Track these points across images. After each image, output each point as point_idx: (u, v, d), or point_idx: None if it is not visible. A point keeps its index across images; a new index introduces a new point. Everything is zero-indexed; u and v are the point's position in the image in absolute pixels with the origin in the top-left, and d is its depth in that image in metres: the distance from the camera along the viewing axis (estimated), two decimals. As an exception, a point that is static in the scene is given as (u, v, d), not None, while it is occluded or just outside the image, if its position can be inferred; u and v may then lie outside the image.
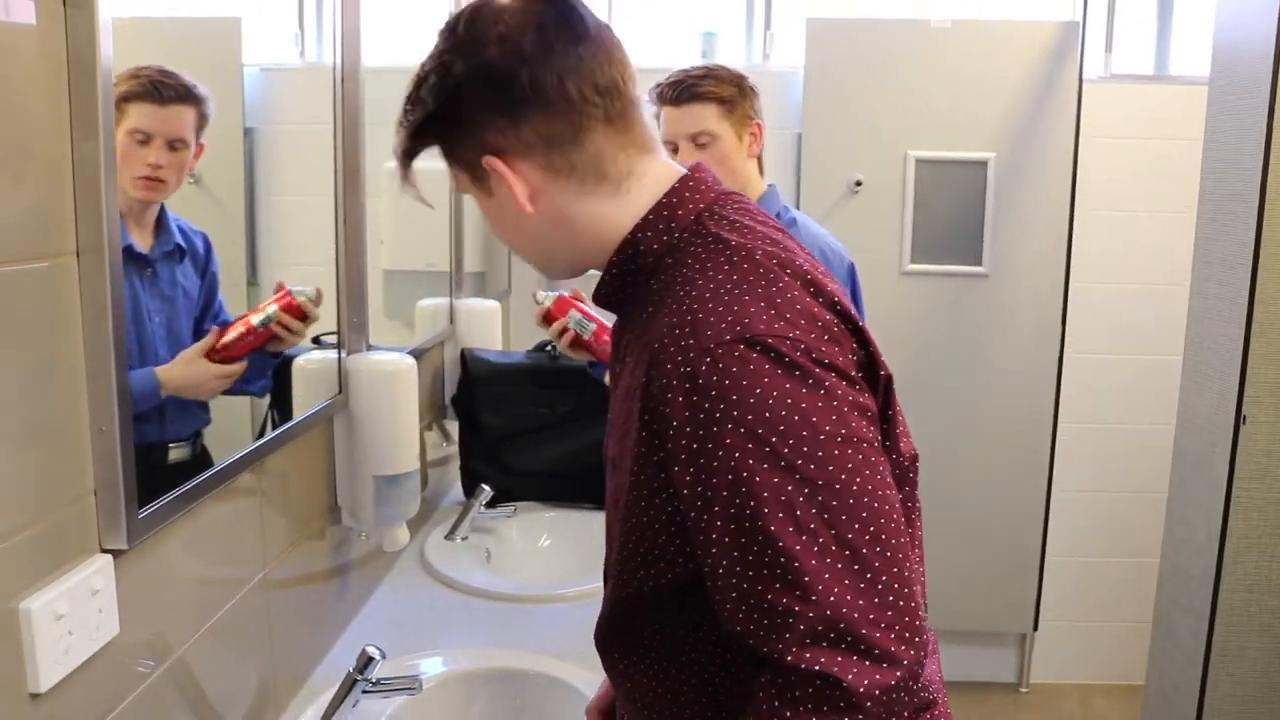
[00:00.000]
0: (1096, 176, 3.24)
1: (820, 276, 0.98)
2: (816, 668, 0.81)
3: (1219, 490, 2.23)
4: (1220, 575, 2.25)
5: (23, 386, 0.88)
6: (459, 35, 1.00)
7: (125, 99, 1.17)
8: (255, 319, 1.41)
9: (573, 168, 1.00)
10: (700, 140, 2.07)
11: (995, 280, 3.22)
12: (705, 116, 2.06)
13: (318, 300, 1.49)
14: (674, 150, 2.10)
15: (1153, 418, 3.33)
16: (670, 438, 0.89)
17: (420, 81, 1.03)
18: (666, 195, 1.01)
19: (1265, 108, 2.10)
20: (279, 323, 1.43)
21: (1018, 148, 3.17)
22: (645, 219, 1.00)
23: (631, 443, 0.95)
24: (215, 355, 1.33)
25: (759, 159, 2.15)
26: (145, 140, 1.21)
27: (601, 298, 1.06)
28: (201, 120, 1.32)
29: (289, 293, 1.45)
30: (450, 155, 1.05)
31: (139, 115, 1.20)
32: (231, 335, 1.36)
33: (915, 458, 1.09)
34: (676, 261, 0.98)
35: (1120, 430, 3.42)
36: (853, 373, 0.92)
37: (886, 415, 1.02)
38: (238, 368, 1.35)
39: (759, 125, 2.11)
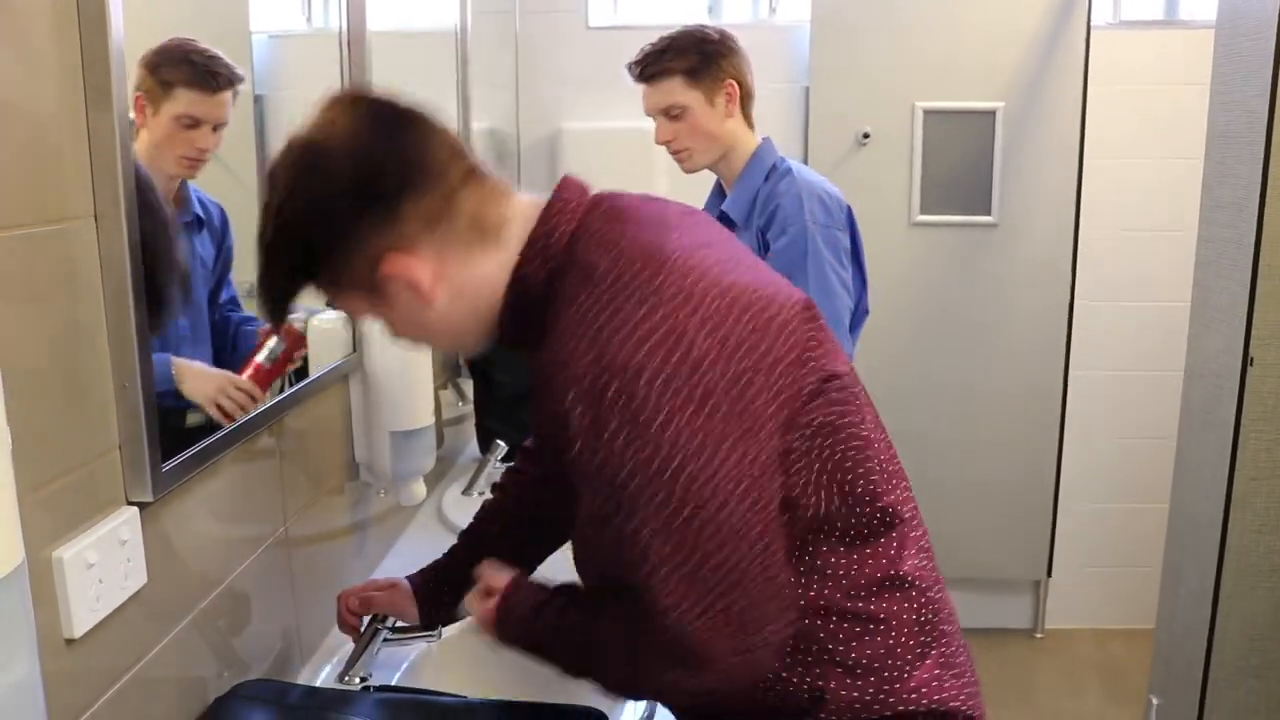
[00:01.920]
0: (1105, 124, 3.23)
1: (704, 254, 1.01)
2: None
3: (1227, 433, 2.25)
4: (1228, 517, 2.27)
5: (48, 345, 0.92)
6: (302, 167, 1.01)
7: (174, 83, 1.21)
8: (263, 357, 1.40)
9: (456, 236, 1.02)
10: (672, 113, 2.10)
11: (1005, 230, 3.22)
12: (671, 89, 2.09)
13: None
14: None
15: (1163, 363, 3.34)
16: (573, 448, 0.95)
17: (279, 233, 1.02)
18: (538, 224, 1.03)
19: (1271, 49, 2.09)
20: (290, 354, 1.44)
21: (1026, 97, 3.16)
22: (524, 254, 1.03)
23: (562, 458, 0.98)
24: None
25: (747, 114, 2.16)
26: (193, 125, 1.24)
27: (505, 336, 1.08)
28: (235, 96, 1.35)
29: (287, 327, 1.43)
30: (337, 284, 1.05)
31: (189, 102, 1.23)
32: (262, 360, 1.39)
33: (849, 372, 1.10)
34: (557, 291, 1.01)
35: (1131, 376, 3.43)
36: (723, 395, 0.94)
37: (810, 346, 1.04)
38: (255, 390, 1.35)
39: (732, 84, 2.10)
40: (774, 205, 2.06)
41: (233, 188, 1.43)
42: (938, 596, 1.10)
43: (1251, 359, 2.18)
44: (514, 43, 3.19)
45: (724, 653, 0.96)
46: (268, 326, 1.39)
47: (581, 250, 1.01)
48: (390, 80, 1.86)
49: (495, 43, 3.04)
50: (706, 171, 2.20)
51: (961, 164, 3.21)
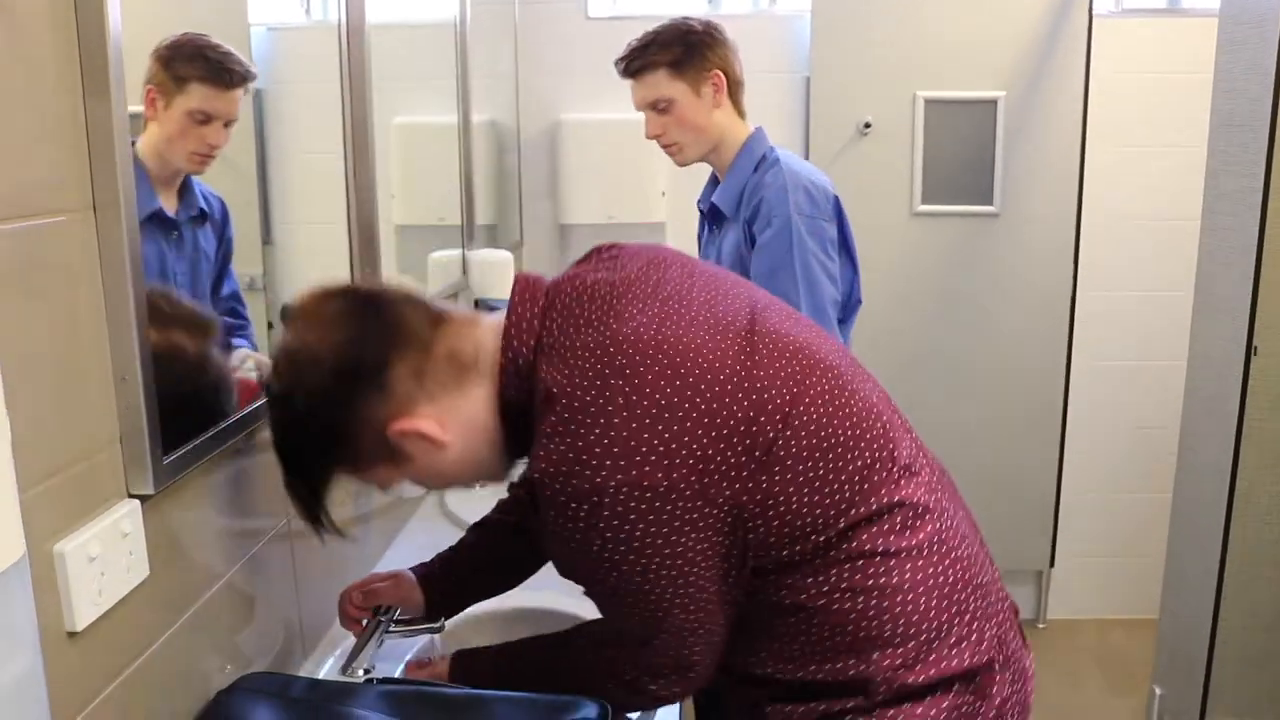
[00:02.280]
0: (1107, 113, 3.22)
1: (653, 326, 1.09)
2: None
3: (1230, 423, 2.24)
4: (1232, 507, 2.26)
5: (48, 338, 0.91)
6: (291, 373, 1.12)
7: (188, 78, 1.20)
8: None
9: (442, 380, 1.13)
10: (660, 106, 2.10)
11: (1007, 219, 3.21)
12: (657, 83, 2.08)
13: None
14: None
15: (1166, 353, 3.33)
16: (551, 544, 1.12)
17: (292, 441, 1.14)
18: (501, 350, 1.13)
19: (1275, 38, 2.08)
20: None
21: (1028, 86, 3.15)
22: (500, 383, 1.13)
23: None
24: None
25: (737, 103, 2.14)
26: (205, 120, 1.24)
27: (517, 457, 1.20)
28: (246, 94, 1.35)
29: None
30: (358, 463, 1.16)
31: (203, 97, 1.23)
32: None
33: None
34: (536, 407, 1.10)
35: (1133, 366, 3.42)
36: (680, 486, 1.04)
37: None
38: None
39: (718, 74, 2.09)
40: (759, 197, 2.05)
41: (232, 179, 1.43)
42: (965, 553, 1.18)
43: (1255, 348, 2.18)
44: (513, 34, 3.18)
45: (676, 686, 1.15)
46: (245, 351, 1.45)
47: (543, 371, 1.10)
48: (389, 73, 1.86)
49: (495, 34, 3.02)
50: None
51: (963, 154, 3.20)
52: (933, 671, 1.11)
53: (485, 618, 1.61)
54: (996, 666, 1.15)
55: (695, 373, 1.06)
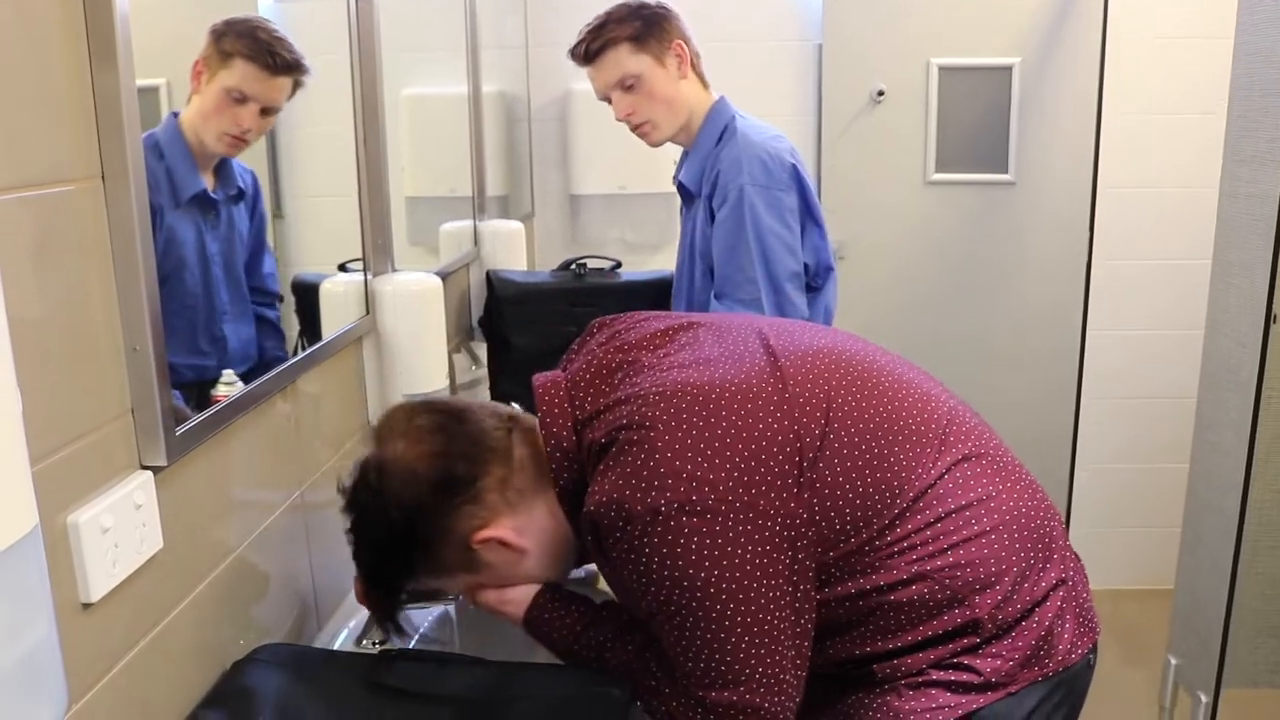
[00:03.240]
0: (1124, 78, 3.18)
1: (672, 372, 1.16)
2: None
3: (1248, 392, 2.22)
4: (1249, 476, 2.25)
5: (59, 308, 0.90)
6: (380, 489, 1.16)
7: (233, 54, 1.19)
8: None
9: (523, 492, 1.20)
10: (627, 84, 2.05)
11: (1022, 188, 3.18)
12: (620, 60, 2.04)
13: None
14: (609, 103, 2.09)
15: (1181, 321, 3.31)
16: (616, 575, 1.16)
17: (377, 546, 1.19)
18: (544, 440, 1.19)
19: (1297, -2, 2.05)
20: None
21: (1043, 52, 3.11)
22: (554, 472, 1.19)
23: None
24: None
25: (699, 74, 2.10)
26: (241, 100, 1.22)
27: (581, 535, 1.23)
28: (296, 88, 1.32)
29: None
30: (438, 573, 1.23)
31: (243, 76, 1.21)
32: None
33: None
34: (588, 479, 1.16)
35: (1149, 336, 3.40)
36: (728, 500, 1.08)
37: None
38: None
39: (680, 44, 2.05)
40: (716, 172, 2.01)
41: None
42: (1027, 481, 1.24)
43: (1276, 315, 2.15)
44: (523, 3, 3.15)
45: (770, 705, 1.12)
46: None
47: (587, 438, 1.16)
48: (399, 44, 1.85)
49: (504, 4, 3.00)
50: None
51: (978, 121, 3.17)
52: (1028, 599, 1.17)
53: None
54: (1070, 577, 1.23)
55: (725, 397, 1.12)
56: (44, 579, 0.73)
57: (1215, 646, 2.30)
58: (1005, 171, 3.18)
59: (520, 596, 1.27)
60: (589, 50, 2.05)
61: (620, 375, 1.20)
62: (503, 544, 1.19)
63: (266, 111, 1.27)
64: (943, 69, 3.12)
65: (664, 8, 2.07)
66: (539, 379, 1.25)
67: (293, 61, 1.28)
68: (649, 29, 2.03)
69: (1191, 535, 2.53)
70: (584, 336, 1.35)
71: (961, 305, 3.25)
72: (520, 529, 1.20)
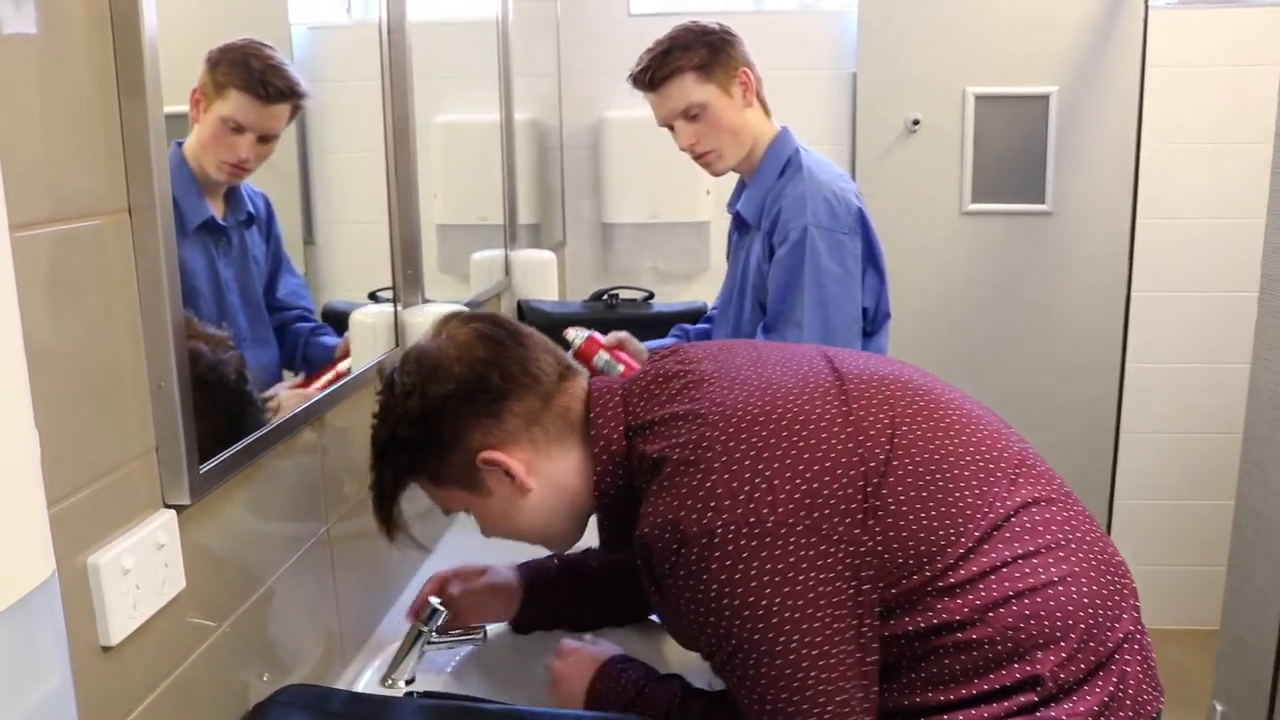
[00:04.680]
0: (1164, 108, 3.13)
1: (732, 392, 1.13)
2: None
3: (1297, 428, 2.16)
4: (1298, 515, 2.18)
5: (83, 345, 0.89)
6: (416, 370, 1.16)
7: (227, 85, 1.17)
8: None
9: (549, 434, 1.17)
10: (691, 113, 1.98)
11: (1059, 218, 3.14)
12: (686, 89, 1.97)
13: None
14: (671, 130, 2.04)
15: (1225, 356, 3.24)
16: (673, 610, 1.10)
17: (393, 427, 1.17)
18: (592, 441, 1.17)
19: (1346, 28, 2.00)
20: None
21: (1081, 80, 3.07)
22: (597, 473, 1.17)
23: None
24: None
25: (762, 102, 2.05)
26: (238, 130, 1.20)
27: (608, 544, 1.23)
28: (295, 112, 1.31)
29: None
30: (439, 479, 1.20)
31: (238, 106, 1.20)
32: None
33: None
34: (637, 488, 1.14)
35: (1190, 370, 3.33)
36: (789, 522, 1.04)
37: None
38: None
39: (746, 72, 1.99)
40: (778, 208, 1.95)
41: (274, 179, 1.41)
42: (1096, 533, 1.17)
43: (1325, 352, 2.09)
44: (555, 31, 3.15)
45: None
46: (342, 341, 1.49)
47: (640, 447, 1.13)
48: (431, 72, 1.84)
49: (537, 31, 3.00)
50: None
51: (1014, 150, 3.13)
52: (1092, 658, 1.10)
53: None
54: (1138, 637, 1.16)
55: (788, 417, 1.09)
56: (60, 628, 0.71)
57: (1265, 692, 2.23)
58: (1042, 201, 3.13)
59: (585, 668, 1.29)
60: (653, 78, 1.99)
61: (679, 384, 1.17)
62: (509, 474, 1.16)
63: (264, 139, 1.26)
64: (979, 97, 3.09)
65: (729, 33, 2.01)
66: (595, 381, 1.23)
67: (286, 89, 1.27)
68: (715, 57, 1.97)
69: (1239, 576, 2.46)
70: (647, 359, 1.32)
71: (997, 337, 3.20)
72: (531, 467, 1.17)
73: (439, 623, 1.38)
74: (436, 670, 1.43)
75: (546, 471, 1.18)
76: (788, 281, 1.93)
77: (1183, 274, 3.27)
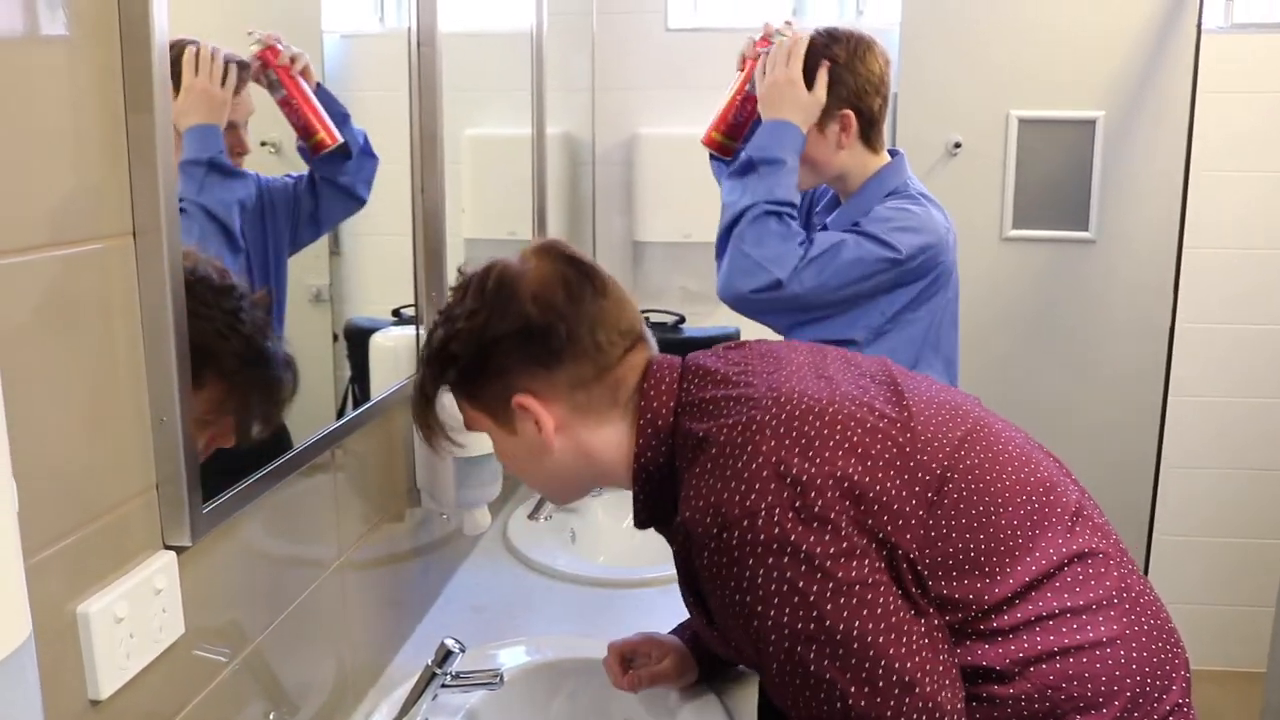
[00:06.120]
0: (1214, 135, 3.03)
1: (788, 382, 1.08)
2: None
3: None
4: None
5: (79, 376, 0.83)
6: (490, 295, 1.12)
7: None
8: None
9: (591, 403, 1.13)
10: None
11: (1103, 247, 3.04)
12: None
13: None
14: None
15: (1271, 390, 3.14)
16: (717, 600, 1.04)
17: (450, 336, 1.14)
18: (640, 413, 1.12)
19: None
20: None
21: (1129, 105, 2.98)
22: (639, 445, 1.12)
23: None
24: None
25: (872, 141, 1.81)
26: (231, 127, 1.18)
27: (641, 521, 1.18)
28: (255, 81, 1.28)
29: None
30: (474, 399, 1.17)
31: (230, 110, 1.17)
32: None
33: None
34: (679, 468, 1.09)
35: (1235, 404, 3.23)
36: (835, 510, 0.99)
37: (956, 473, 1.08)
38: None
39: (848, 114, 1.75)
40: (872, 209, 1.76)
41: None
42: (1152, 596, 1.12)
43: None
44: (591, 45, 3.09)
45: None
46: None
47: (687, 425, 1.09)
48: (463, 84, 1.78)
49: (571, 45, 2.94)
50: None
51: (1058, 176, 3.03)
52: None
53: (549, 668, 1.51)
54: (1186, 710, 1.08)
55: (844, 414, 1.05)
56: (34, 697, 0.65)
57: (1314, 749, 2.14)
58: (1086, 229, 3.04)
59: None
60: None
61: (738, 370, 1.13)
62: (538, 425, 1.13)
63: (248, 121, 1.23)
64: (1023, 121, 3.00)
65: (854, 61, 1.76)
66: (657, 357, 1.18)
67: (245, 73, 1.21)
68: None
69: (1286, 624, 2.36)
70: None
71: (1037, 366, 3.10)
72: (562, 427, 1.14)
73: (454, 665, 1.32)
74: (450, 713, 1.37)
75: (576, 436, 1.14)
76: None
77: (1229, 305, 3.17)
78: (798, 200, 1.76)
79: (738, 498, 0.99)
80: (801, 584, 0.97)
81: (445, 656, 1.30)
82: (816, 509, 0.98)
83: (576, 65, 3.02)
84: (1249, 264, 3.14)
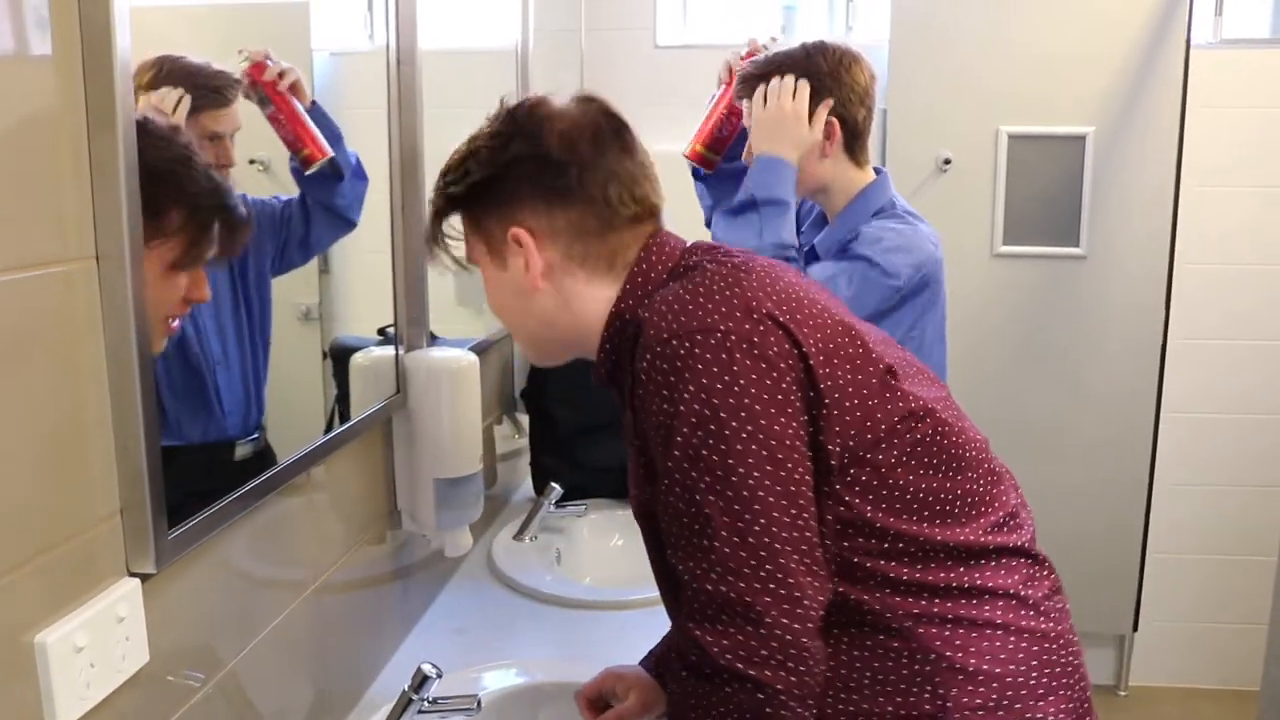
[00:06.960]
0: (1204, 150, 3.03)
1: (785, 280, 1.07)
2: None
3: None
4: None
5: (42, 401, 0.81)
6: (520, 120, 1.11)
7: (200, 108, 1.15)
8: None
9: (587, 258, 1.11)
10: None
11: (1094, 263, 3.03)
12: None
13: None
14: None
15: (1263, 406, 3.13)
16: (649, 409, 1.01)
17: (470, 153, 1.13)
18: (636, 263, 1.11)
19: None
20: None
21: (1119, 121, 2.98)
22: (624, 290, 1.10)
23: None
24: None
25: (856, 154, 1.81)
26: (216, 139, 1.19)
27: (601, 375, 1.15)
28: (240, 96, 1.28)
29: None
30: (476, 224, 1.15)
31: (213, 120, 1.19)
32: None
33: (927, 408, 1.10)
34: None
35: (1227, 420, 3.22)
36: (786, 363, 0.99)
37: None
38: None
39: (833, 123, 1.74)
40: (858, 231, 1.76)
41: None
42: (1060, 606, 1.13)
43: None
44: (579, 62, 3.09)
45: (774, 612, 0.96)
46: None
47: (672, 282, 1.07)
48: (446, 101, 1.77)
49: (559, 62, 2.94)
50: None
51: (1048, 192, 3.03)
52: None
53: (530, 692, 1.49)
54: None
55: (834, 319, 1.06)
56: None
57: (1308, 770, 2.12)
58: (1076, 245, 3.03)
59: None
60: (738, 94, 1.82)
61: (741, 258, 1.11)
62: (528, 263, 1.10)
63: (233, 135, 1.24)
64: (1012, 137, 3.00)
65: (839, 71, 1.78)
66: (666, 233, 1.17)
67: (235, 84, 1.24)
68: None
69: (1277, 635, 2.35)
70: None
71: (1028, 384, 3.09)
72: (550, 272, 1.11)
73: (431, 690, 1.30)
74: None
75: (563, 285, 1.12)
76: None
77: (1221, 321, 3.16)
78: (796, 243, 1.75)
79: (701, 313, 0.99)
80: (724, 414, 0.97)
81: (422, 682, 1.29)
82: (771, 353, 0.98)
83: (565, 82, 3.01)
84: (1240, 279, 3.13)
